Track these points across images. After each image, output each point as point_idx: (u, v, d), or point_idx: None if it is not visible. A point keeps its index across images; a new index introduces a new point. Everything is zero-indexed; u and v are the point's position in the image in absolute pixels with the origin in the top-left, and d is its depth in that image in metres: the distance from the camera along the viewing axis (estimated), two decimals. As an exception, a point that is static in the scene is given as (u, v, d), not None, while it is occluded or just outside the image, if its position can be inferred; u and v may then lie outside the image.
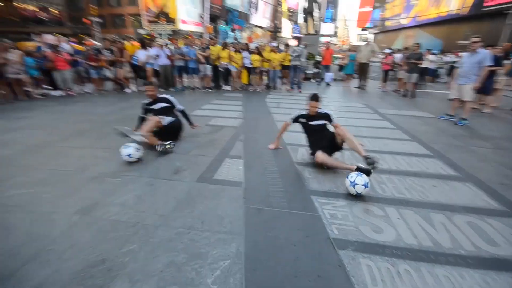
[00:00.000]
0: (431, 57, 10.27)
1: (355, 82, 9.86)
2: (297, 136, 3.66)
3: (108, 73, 7.69)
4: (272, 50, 8.31)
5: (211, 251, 1.65)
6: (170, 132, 3.45)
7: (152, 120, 3.22)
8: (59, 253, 1.61)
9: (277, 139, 3.46)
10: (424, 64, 8.90)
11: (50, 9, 23.11)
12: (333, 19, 62.40)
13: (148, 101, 3.55)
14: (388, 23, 33.02)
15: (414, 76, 7.67)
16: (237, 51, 8.01)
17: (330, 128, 3.08)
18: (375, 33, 39.38)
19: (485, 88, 6.17)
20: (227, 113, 5.26)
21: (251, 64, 8.16)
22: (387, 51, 9.76)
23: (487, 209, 2.22)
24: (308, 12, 11.66)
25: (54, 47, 6.96)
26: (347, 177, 2.32)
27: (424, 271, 1.56)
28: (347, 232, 1.88)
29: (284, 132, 3.39)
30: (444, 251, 1.73)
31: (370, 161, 2.50)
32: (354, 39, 62.39)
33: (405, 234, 1.87)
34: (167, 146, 3.16)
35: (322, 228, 1.91)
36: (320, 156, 2.72)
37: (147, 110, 3.53)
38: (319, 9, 11.44)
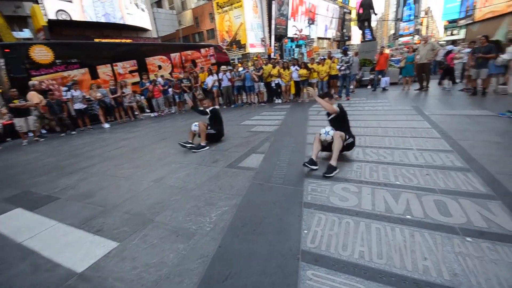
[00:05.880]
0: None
1: (416, 85, 9.26)
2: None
3: (186, 97, 9.95)
4: (319, 63, 8.92)
5: (219, 202, 2.61)
6: (211, 139, 4.82)
7: (203, 126, 4.61)
8: (141, 198, 2.89)
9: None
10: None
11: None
12: (414, 16, 56.18)
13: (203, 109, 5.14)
14: (484, 13, 27.63)
15: (484, 72, 6.83)
16: (285, 68, 8.98)
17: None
18: (467, 24, 33.45)
19: None
20: (269, 122, 6.24)
21: (299, 77, 8.97)
22: (449, 48, 8.85)
23: (468, 192, 2.39)
24: (363, 20, 11.24)
25: (153, 82, 9.60)
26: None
27: (361, 224, 2.07)
28: (317, 199, 2.50)
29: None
30: (391, 214, 2.15)
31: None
32: (441, 33, 54.14)
33: (365, 203, 2.36)
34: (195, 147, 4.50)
35: (300, 196, 2.59)
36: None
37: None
38: (375, 13, 10.79)
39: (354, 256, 1.74)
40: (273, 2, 33.03)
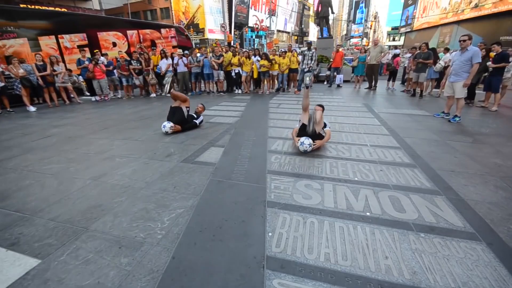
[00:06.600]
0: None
1: (366, 84, 9.96)
2: (280, 131, 4.24)
3: (136, 81, 8.92)
4: (280, 55, 8.87)
5: (173, 204, 2.30)
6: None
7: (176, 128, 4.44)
8: (74, 200, 2.39)
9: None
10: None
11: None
12: (364, 20, 60.71)
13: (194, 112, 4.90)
14: (420, 23, 31.38)
15: (422, 76, 7.63)
16: (246, 57, 8.71)
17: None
18: (406, 32, 37.58)
19: (493, 86, 6.09)
20: (228, 113, 5.96)
21: (260, 68, 8.80)
22: (397, 51, 9.73)
23: (416, 188, 2.55)
24: (321, 17, 11.62)
25: (94, 60, 8.31)
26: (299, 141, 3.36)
27: (325, 223, 2.02)
28: (281, 197, 2.39)
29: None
30: (352, 212, 2.16)
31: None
32: (385, 38, 59.93)
33: (328, 200, 2.33)
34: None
35: (263, 195, 2.44)
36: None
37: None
38: (333, 12, 11.42)
39: (320, 259, 1.67)
40: (234, -13, 32.00)
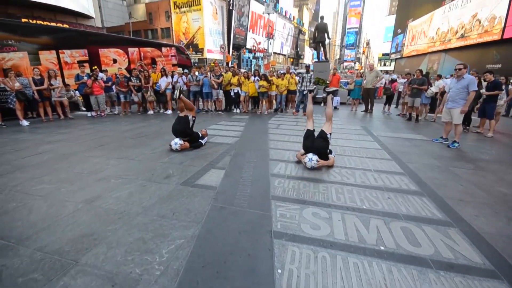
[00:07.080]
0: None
1: (362, 106, 10.15)
2: (281, 153, 4.16)
3: (135, 97, 8.88)
4: (278, 77, 9.03)
5: (173, 233, 2.13)
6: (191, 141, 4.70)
7: (185, 145, 4.49)
8: (63, 227, 2.19)
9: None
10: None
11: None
12: (356, 46, 63.74)
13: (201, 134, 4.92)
14: (409, 50, 32.99)
15: (417, 101, 7.81)
16: (246, 77, 8.83)
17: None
18: (396, 59, 39.32)
19: (488, 112, 6.24)
20: (228, 132, 5.89)
21: (259, 89, 8.90)
22: (394, 77, 10.05)
23: (428, 219, 2.45)
24: (317, 42, 12.20)
25: (94, 76, 8.27)
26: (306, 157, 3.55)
27: (338, 258, 1.88)
28: (288, 227, 2.25)
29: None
30: (365, 246, 2.03)
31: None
32: (376, 63, 62.63)
33: (338, 231, 2.20)
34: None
35: (269, 223, 2.30)
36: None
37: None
38: (329, 38, 12.08)
39: (337, 303, 1.51)
40: (233, 11, 33.40)
